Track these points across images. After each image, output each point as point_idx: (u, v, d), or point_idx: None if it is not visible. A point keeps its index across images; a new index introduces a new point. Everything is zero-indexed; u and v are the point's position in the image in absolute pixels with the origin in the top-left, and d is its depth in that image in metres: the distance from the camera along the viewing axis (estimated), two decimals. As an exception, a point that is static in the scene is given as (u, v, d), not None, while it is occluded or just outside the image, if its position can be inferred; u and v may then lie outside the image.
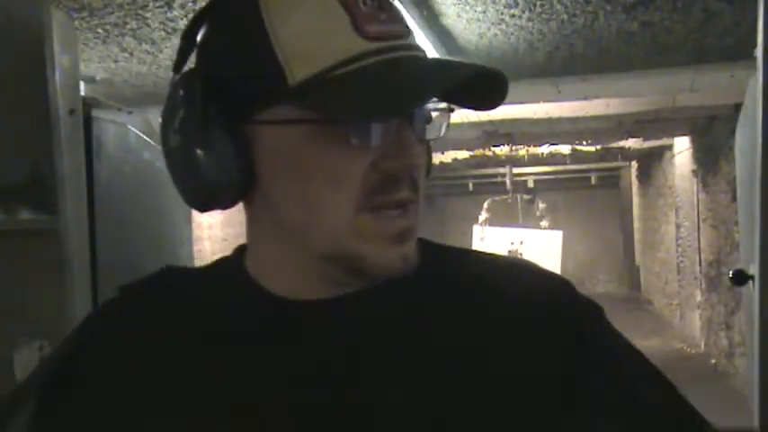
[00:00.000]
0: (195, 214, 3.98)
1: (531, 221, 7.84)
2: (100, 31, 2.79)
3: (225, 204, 0.60)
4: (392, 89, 0.54)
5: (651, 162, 8.97)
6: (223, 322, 0.61)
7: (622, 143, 7.14)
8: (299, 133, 0.56)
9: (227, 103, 0.56)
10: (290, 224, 0.59)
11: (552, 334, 0.63)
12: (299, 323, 0.60)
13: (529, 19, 2.99)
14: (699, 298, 6.57)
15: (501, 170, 8.31)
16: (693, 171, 6.55)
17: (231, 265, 0.66)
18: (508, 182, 7.81)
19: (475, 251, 0.73)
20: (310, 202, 0.57)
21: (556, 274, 0.70)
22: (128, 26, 2.75)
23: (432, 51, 3.31)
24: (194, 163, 0.57)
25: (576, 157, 7.50)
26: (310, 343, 0.59)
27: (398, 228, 0.57)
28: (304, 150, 0.56)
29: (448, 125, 0.62)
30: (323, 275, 0.60)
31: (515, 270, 0.69)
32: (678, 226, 7.47)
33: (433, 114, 0.61)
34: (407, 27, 0.60)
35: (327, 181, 0.56)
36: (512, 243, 7.41)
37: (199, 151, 0.57)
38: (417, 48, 0.60)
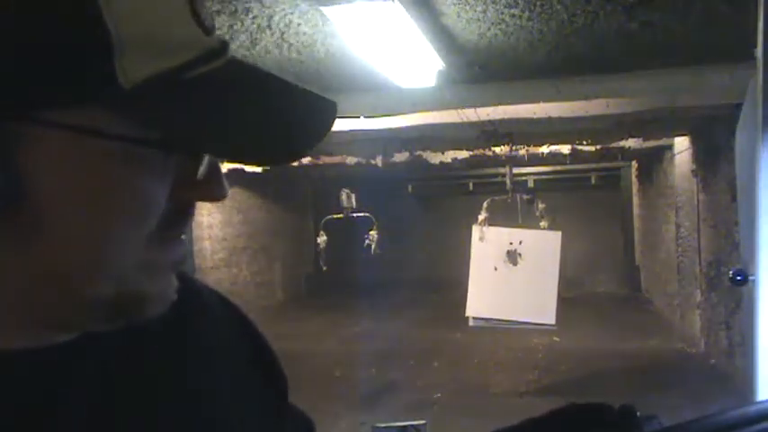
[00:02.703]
0: (196, 213, 3.97)
1: (530, 221, 7.83)
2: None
3: None
4: (277, 125, 0.44)
5: (651, 162, 8.97)
6: None
7: (622, 143, 7.14)
8: (103, 149, 0.41)
9: None
10: (62, 260, 0.42)
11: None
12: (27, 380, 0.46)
13: (529, 19, 2.99)
14: (699, 298, 6.57)
15: (501, 170, 8.31)
16: (693, 171, 6.55)
17: None
18: (508, 182, 7.80)
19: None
20: (100, 235, 0.43)
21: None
22: None
23: (432, 51, 3.30)
24: None
25: (576, 157, 7.50)
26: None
27: (181, 254, 0.49)
28: (105, 171, 0.41)
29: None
30: (57, 319, 0.45)
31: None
32: (678, 226, 7.47)
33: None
34: None
35: (129, 212, 0.43)
36: (511, 243, 7.40)
37: None
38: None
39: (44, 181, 0.40)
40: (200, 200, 0.49)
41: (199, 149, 0.45)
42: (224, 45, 0.44)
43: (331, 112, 0.48)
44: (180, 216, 0.47)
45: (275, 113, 0.44)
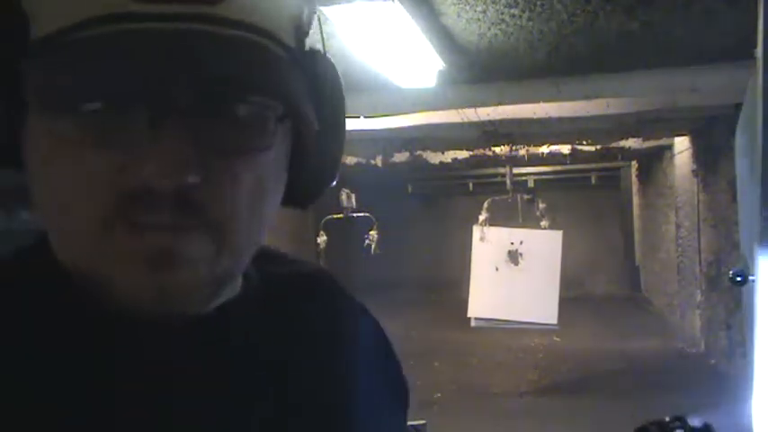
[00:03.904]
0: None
1: (531, 221, 7.83)
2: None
3: None
4: (129, 66, 0.39)
5: (651, 162, 8.97)
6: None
7: (622, 143, 7.15)
8: (36, 106, 0.42)
9: None
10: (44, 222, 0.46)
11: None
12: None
13: (529, 19, 2.99)
14: (699, 298, 6.57)
15: (501, 170, 8.31)
16: (693, 171, 6.55)
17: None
18: (508, 182, 7.80)
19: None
20: (51, 200, 0.44)
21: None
22: None
23: (432, 51, 3.30)
24: None
25: (576, 157, 7.50)
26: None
27: (155, 246, 0.42)
28: (39, 129, 0.43)
29: (274, 128, 0.46)
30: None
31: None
32: (678, 226, 7.47)
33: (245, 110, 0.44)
34: None
35: (66, 178, 0.42)
36: (511, 243, 7.40)
37: None
38: (228, 22, 0.42)
39: (21, 134, 0.45)
40: (146, 182, 0.41)
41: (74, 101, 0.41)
42: (154, 14, 0.40)
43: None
44: (139, 199, 0.42)
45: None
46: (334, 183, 0.56)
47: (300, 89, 0.47)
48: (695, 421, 0.66)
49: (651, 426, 0.67)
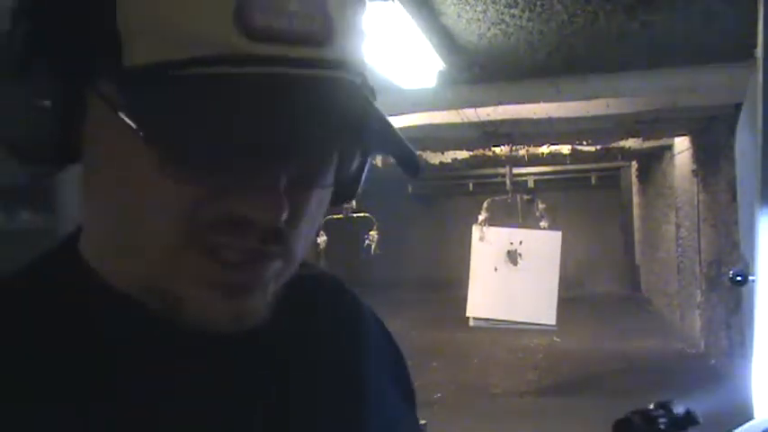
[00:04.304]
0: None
1: (530, 221, 7.83)
2: None
3: (42, 161, 0.47)
4: (239, 123, 0.39)
5: (651, 162, 8.97)
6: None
7: (622, 143, 7.15)
8: (122, 123, 0.41)
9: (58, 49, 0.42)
10: (107, 229, 0.46)
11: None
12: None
13: (529, 19, 2.99)
14: (699, 298, 6.57)
15: (501, 170, 8.31)
16: (693, 171, 6.55)
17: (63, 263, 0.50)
18: (508, 182, 7.80)
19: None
20: (122, 210, 0.44)
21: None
22: None
23: (432, 51, 3.30)
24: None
25: (576, 157, 7.50)
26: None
27: (230, 279, 0.43)
28: (123, 144, 0.42)
29: (363, 170, 0.50)
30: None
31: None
32: (678, 226, 7.47)
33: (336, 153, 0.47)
34: (336, 27, 0.42)
35: (142, 193, 0.42)
36: (511, 243, 7.40)
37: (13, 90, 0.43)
38: (334, 64, 0.42)
39: (89, 140, 0.45)
40: (244, 215, 0.42)
41: (167, 141, 0.40)
42: (259, 56, 0.39)
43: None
44: (227, 226, 0.42)
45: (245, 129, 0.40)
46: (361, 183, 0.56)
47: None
48: (678, 408, 0.67)
49: (634, 415, 0.68)
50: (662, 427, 0.66)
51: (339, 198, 0.54)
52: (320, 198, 0.48)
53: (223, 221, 0.42)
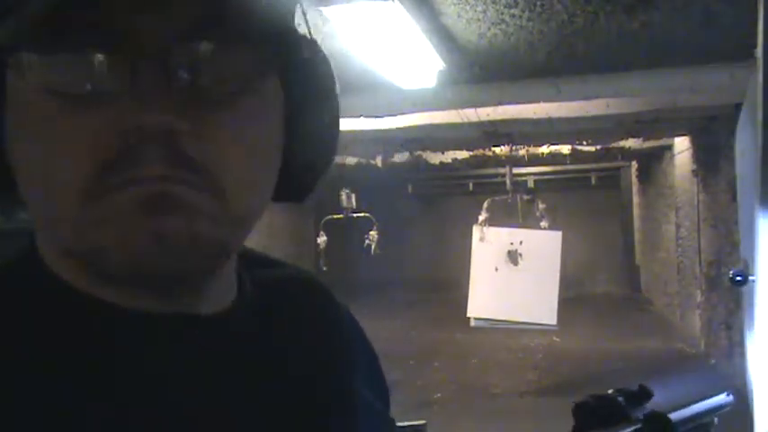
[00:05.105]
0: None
1: (530, 221, 7.83)
2: None
3: None
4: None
5: (651, 162, 8.98)
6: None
7: (622, 143, 7.15)
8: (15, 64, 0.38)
9: None
10: (30, 207, 0.43)
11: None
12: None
13: (529, 19, 2.99)
14: (699, 298, 6.57)
15: (501, 170, 8.31)
16: (693, 171, 6.55)
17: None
18: (508, 182, 7.80)
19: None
20: (36, 172, 0.40)
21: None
22: None
23: (432, 51, 3.30)
24: None
25: (576, 157, 7.51)
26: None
27: (147, 191, 0.38)
28: (20, 90, 0.39)
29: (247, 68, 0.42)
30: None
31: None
32: (678, 226, 7.47)
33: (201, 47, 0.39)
34: None
35: (49, 142, 0.39)
36: (511, 243, 7.40)
37: None
38: None
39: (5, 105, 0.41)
40: (129, 129, 0.38)
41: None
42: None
43: None
44: (124, 156, 0.38)
45: None
46: (332, 162, 0.52)
47: (291, 23, 0.43)
48: (633, 386, 0.71)
49: (590, 398, 0.72)
50: (621, 401, 0.70)
51: (301, 172, 0.50)
52: (251, 132, 0.42)
53: (119, 151, 0.38)
